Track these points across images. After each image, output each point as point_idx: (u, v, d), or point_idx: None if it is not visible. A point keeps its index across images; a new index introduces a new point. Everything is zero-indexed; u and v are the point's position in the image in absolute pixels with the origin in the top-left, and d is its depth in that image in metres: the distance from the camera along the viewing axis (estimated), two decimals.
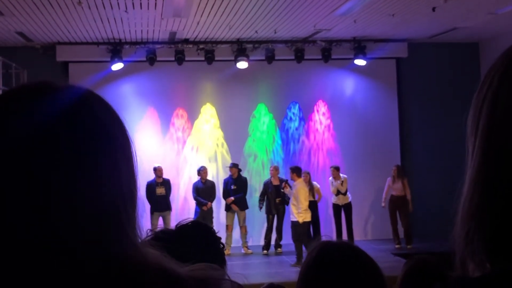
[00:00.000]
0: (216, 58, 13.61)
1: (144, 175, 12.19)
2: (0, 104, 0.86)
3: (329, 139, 14.60)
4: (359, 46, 13.86)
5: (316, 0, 10.42)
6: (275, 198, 12.63)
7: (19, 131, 0.81)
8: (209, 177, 13.20)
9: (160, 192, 12.50)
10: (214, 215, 12.81)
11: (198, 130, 14.21)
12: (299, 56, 13.81)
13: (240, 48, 13.55)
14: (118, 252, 0.83)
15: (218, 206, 13.39)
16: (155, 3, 10.31)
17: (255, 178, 14.02)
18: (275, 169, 12.84)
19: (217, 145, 14.29)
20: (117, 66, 13.37)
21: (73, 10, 10.48)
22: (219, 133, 14.29)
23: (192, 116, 14.21)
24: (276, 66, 14.01)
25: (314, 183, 12.78)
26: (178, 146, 14.13)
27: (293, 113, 14.55)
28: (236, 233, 13.09)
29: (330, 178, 13.17)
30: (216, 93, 14.30)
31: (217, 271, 0.93)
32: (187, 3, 10.26)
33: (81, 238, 0.81)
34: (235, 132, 14.20)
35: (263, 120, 14.44)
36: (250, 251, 12.92)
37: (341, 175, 12.99)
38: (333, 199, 13.09)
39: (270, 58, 13.77)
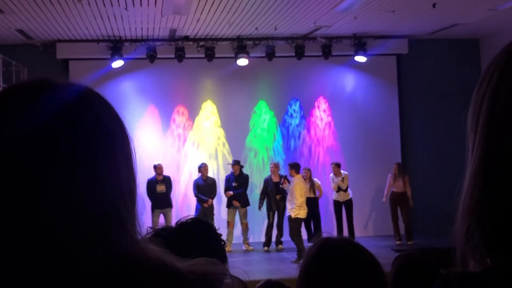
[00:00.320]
0: (216, 55, 13.60)
1: (144, 172, 12.20)
2: (2, 99, 0.86)
3: (329, 135, 14.60)
4: (359, 43, 13.84)
5: None
6: (275, 195, 12.63)
7: (19, 130, 0.81)
8: (210, 174, 13.20)
9: (160, 190, 12.51)
10: (215, 212, 12.82)
11: (199, 127, 14.21)
12: (300, 53, 13.81)
13: (240, 45, 13.54)
14: (119, 250, 0.83)
15: (219, 203, 13.40)
16: (155, 1, 10.31)
17: (255, 175, 14.02)
18: (275, 166, 12.84)
19: (218, 142, 14.29)
20: (117, 64, 13.36)
21: (73, 7, 10.47)
22: (220, 130, 14.29)
23: (193, 113, 14.21)
24: (277, 63, 14.00)
25: (315, 179, 12.79)
26: (178, 143, 14.13)
27: (294, 110, 14.55)
28: (237, 229, 13.10)
29: (331, 174, 13.17)
30: (216, 90, 14.30)
31: (218, 266, 0.93)
32: (187, 0, 10.25)
33: (81, 238, 0.81)
34: (235, 129, 14.20)
35: (263, 117, 14.44)
36: (251, 247, 12.94)
37: (341, 171, 12.99)
38: (334, 196, 13.09)
39: (270, 55, 13.76)
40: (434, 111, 14.43)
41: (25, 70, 12.53)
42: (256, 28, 12.74)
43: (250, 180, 13.38)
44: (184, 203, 13.66)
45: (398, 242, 12.82)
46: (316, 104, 14.58)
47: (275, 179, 12.60)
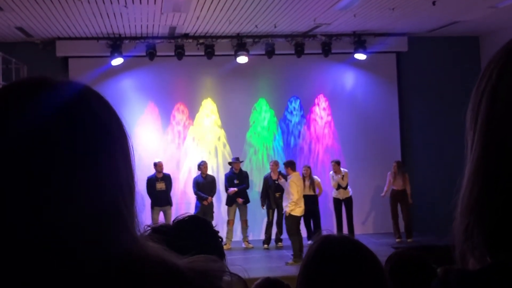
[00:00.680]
0: (216, 53, 13.59)
1: (144, 170, 12.21)
2: (1, 98, 0.86)
3: (329, 133, 14.60)
4: (359, 40, 13.84)
5: None
6: (274, 192, 12.63)
7: (19, 130, 0.81)
8: (209, 172, 13.21)
9: (160, 187, 12.51)
10: (215, 209, 12.83)
11: (198, 125, 14.21)
12: (299, 51, 13.80)
13: (240, 43, 13.54)
14: (119, 248, 0.83)
15: (219, 201, 13.40)
16: None
17: (255, 173, 14.02)
18: (275, 164, 12.83)
19: (217, 140, 14.30)
20: (117, 61, 13.35)
21: (72, 5, 10.46)
22: (219, 128, 14.29)
23: (192, 111, 14.21)
24: (276, 61, 13.99)
25: (315, 177, 12.78)
26: (178, 141, 14.13)
27: (293, 108, 14.55)
28: (237, 227, 13.11)
29: (331, 172, 13.18)
30: (216, 88, 14.29)
31: (217, 263, 0.93)
32: None
33: (81, 238, 0.81)
34: (235, 127, 14.20)
35: (263, 115, 14.44)
36: (250, 245, 12.95)
37: (341, 169, 13.00)
38: (334, 193, 13.10)
39: (270, 52, 13.75)
40: (434, 109, 14.44)
41: (25, 67, 12.52)
42: (256, 26, 12.73)
43: (249, 178, 13.39)
44: (184, 201, 13.66)
45: (397, 240, 12.83)
46: (315, 102, 14.58)
47: (275, 176, 12.60)
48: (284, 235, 12.37)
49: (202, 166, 12.89)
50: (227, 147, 14.25)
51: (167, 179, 12.72)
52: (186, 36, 13.47)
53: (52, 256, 0.79)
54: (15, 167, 0.80)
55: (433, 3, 10.84)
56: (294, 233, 11.30)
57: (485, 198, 0.85)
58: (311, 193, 12.34)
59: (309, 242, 11.47)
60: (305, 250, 9.85)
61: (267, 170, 13.74)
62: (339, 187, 12.96)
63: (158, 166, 12.61)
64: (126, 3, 10.48)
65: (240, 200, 12.84)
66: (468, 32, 14.18)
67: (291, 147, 14.47)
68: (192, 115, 14.19)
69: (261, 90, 14.40)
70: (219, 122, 14.29)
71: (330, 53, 13.98)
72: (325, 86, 14.57)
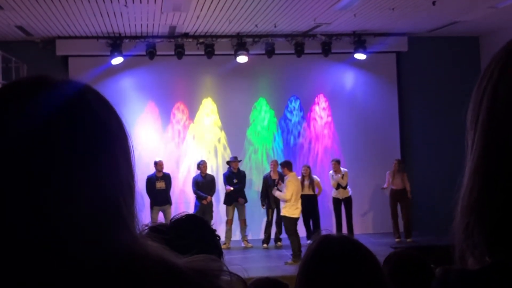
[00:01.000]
0: (216, 52, 13.59)
1: (143, 169, 12.21)
2: (1, 98, 0.85)
3: (329, 133, 14.60)
4: (359, 40, 13.84)
5: None
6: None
7: (19, 130, 0.81)
8: (209, 171, 13.20)
9: (160, 186, 12.51)
10: (214, 209, 12.83)
11: (198, 124, 14.21)
12: (299, 50, 13.80)
13: (240, 42, 13.54)
14: (119, 247, 0.83)
15: (218, 200, 13.40)
16: None
17: (254, 173, 14.02)
18: (275, 163, 12.83)
19: (217, 139, 14.30)
20: (117, 60, 13.35)
21: (72, 4, 10.47)
22: (219, 127, 14.29)
23: (192, 110, 14.21)
24: (276, 60, 13.99)
25: (314, 176, 12.77)
26: (178, 140, 14.13)
27: (293, 108, 14.55)
28: (236, 226, 13.11)
29: (330, 171, 13.17)
30: (216, 88, 14.29)
31: (216, 263, 0.93)
32: None
33: (81, 238, 0.81)
34: (235, 126, 14.20)
35: (263, 115, 14.43)
36: (250, 244, 12.95)
37: (341, 168, 13.00)
38: (333, 193, 13.09)
39: (270, 52, 13.75)
40: (433, 109, 14.44)
41: (25, 66, 12.52)
42: (256, 25, 12.73)
43: (248, 177, 13.40)
44: (183, 200, 13.66)
45: (397, 240, 12.83)
46: (315, 101, 14.58)
47: (274, 176, 12.59)
48: (284, 235, 12.37)
49: (201, 165, 12.89)
50: (227, 146, 14.26)
51: (167, 178, 12.72)
52: (186, 35, 13.47)
53: (52, 256, 0.79)
54: (15, 167, 0.80)
55: (433, 3, 10.84)
56: (292, 233, 11.30)
57: (485, 198, 0.85)
58: (311, 192, 12.33)
59: (308, 241, 11.47)
60: (304, 249, 9.87)
61: (266, 169, 13.75)
62: (338, 186, 12.96)
63: (158, 165, 12.60)
64: (126, 2, 10.48)
65: (241, 201, 12.85)
66: (468, 32, 14.18)
67: (291, 146, 14.47)
68: (192, 114, 14.19)
69: (261, 90, 14.40)
70: (219, 122, 14.29)
71: (330, 53, 13.98)
72: (325, 86, 14.57)
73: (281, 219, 12.59)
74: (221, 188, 13.31)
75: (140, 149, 12.40)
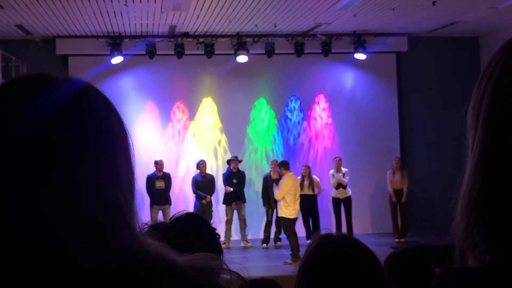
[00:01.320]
0: (215, 52, 13.59)
1: (143, 169, 12.21)
2: (1, 97, 0.85)
3: (329, 133, 14.60)
4: (359, 40, 13.84)
5: None
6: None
7: (18, 129, 0.81)
8: (209, 171, 13.20)
9: (159, 186, 12.51)
10: (214, 208, 12.83)
11: (198, 124, 14.21)
12: (299, 50, 13.79)
13: (240, 42, 13.53)
14: (120, 245, 0.83)
15: (217, 200, 13.40)
16: None
17: (254, 172, 14.02)
18: (276, 163, 12.82)
19: (217, 139, 14.30)
20: (117, 60, 13.35)
21: (72, 3, 10.47)
22: (219, 127, 14.29)
23: (192, 109, 14.21)
24: (276, 60, 13.99)
25: (314, 177, 12.77)
26: (177, 140, 14.13)
27: (293, 107, 14.55)
28: (236, 226, 13.11)
29: (331, 171, 13.17)
30: (216, 87, 14.29)
31: (216, 261, 0.93)
32: None
33: (81, 237, 0.80)
34: (235, 126, 14.20)
35: (263, 115, 14.43)
36: (249, 244, 12.95)
37: (342, 168, 13.01)
38: (333, 193, 13.07)
39: (270, 52, 13.75)
40: (433, 109, 14.44)
41: (25, 65, 12.51)
42: (256, 25, 12.73)
43: (248, 177, 13.40)
44: (182, 200, 13.66)
45: (397, 240, 12.84)
46: (315, 101, 14.58)
47: (275, 176, 12.59)
48: (283, 234, 12.38)
49: (201, 165, 12.89)
50: (227, 146, 14.25)
51: (166, 178, 12.72)
52: (186, 35, 13.47)
53: (52, 256, 0.79)
54: (15, 167, 0.79)
55: (433, 3, 10.84)
56: (290, 233, 11.30)
57: (485, 197, 0.85)
58: (310, 192, 12.33)
59: (308, 241, 11.47)
60: (302, 249, 9.87)
61: (265, 169, 13.76)
62: (338, 186, 12.95)
63: (159, 164, 12.61)
64: (126, 2, 10.48)
65: (234, 205, 12.84)
66: (468, 32, 14.18)
67: (291, 146, 14.47)
68: (191, 114, 14.19)
69: (261, 90, 14.40)
70: (219, 121, 14.29)
71: (330, 53, 13.98)
72: (325, 86, 14.57)
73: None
74: (220, 188, 13.31)
75: (139, 149, 12.40)
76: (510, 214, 0.82)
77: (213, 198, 12.90)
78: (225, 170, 13.40)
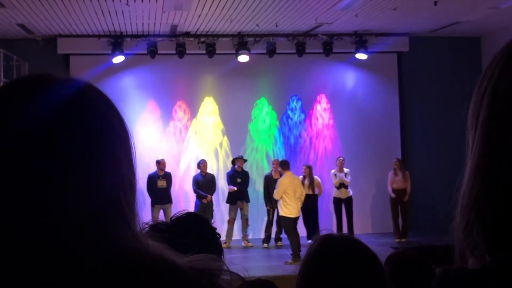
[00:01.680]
0: (217, 52, 13.59)
1: (144, 168, 12.21)
2: (2, 97, 0.85)
3: (330, 133, 14.60)
4: (360, 40, 13.83)
5: None
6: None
7: (19, 130, 0.81)
8: (209, 170, 13.20)
9: (161, 185, 12.52)
10: (214, 208, 12.83)
11: (199, 123, 14.21)
12: (300, 50, 13.79)
13: (241, 42, 13.53)
14: (120, 245, 0.83)
15: (218, 199, 13.40)
16: None
17: (254, 172, 14.02)
18: (277, 163, 12.82)
19: (218, 138, 14.30)
20: (118, 59, 13.35)
21: (74, 2, 10.47)
22: (220, 126, 14.29)
23: (193, 109, 14.21)
24: (277, 60, 13.99)
25: (315, 177, 12.78)
26: (178, 139, 14.13)
27: (294, 107, 14.55)
28: (237, 226, 13.11)
29: (333, 170, 13.17)
30: (217, 87, 14.30)
31: (217, 262, 0.93)
32: None
33: (81, 237, 0.80)
34: (236, 125, 14.21)
35: (264, 114, 14.43)
36: (250, 244, 12.95)
37: (344, 168, 13.02)
38: (335, 193, 13.07)
39: (271, 51, 13.74)
40: (434, 109, 14.43)
41: (26, 65, 12.52)
42: (257, 25, 12.73)
43: (250, 177, 13.40)
44: (183, 199, 13.67)
45: (397, 240, 12.83)
46: (316, 101, 14.58)
47: (276, 176, 12.59)
48: (284, 234, 12.38)
49: (201, 164, 12.90)
50: (228, 145, 14.26)
51: (168, 177, 12.73)
52: (187, 34, 13.47)
53: (52, 256, 0.79)
54: (15, 167, 0.79)
55: (435, 3, 10.83)
56: (291, 233, 11.30)
57: (485, 197, 0.85)
58: (310, 192, 12.33)
59: (309, 241, 11.47)
60: (304, 249, 9.85)
61: (266, 169, 13.76)
62: (340, 186, 12.95)
63: (161, 164, 12.62)
64: (127, 1, 10.48)
65: (239, 204, 12.83)
66: (469, 32, 14.17)
67: (292, 146, 14.47)
68: (193, 113, 14.20)
69: (262, 89, 14.40)
70: (220, 121, 14.29)
71: (331, 53, 13.98)
72: (326, 86, 14.56)
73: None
74: (222, 187, 13.30)
75: (140, 148, 12.40)
76: (510, 214, 0.82)
77: (214, 197, 12.90)
78: (225, 170, 13.39)
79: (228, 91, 14.22)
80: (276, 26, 12.78)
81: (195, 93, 14.20)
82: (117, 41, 13.20)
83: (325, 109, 14.59)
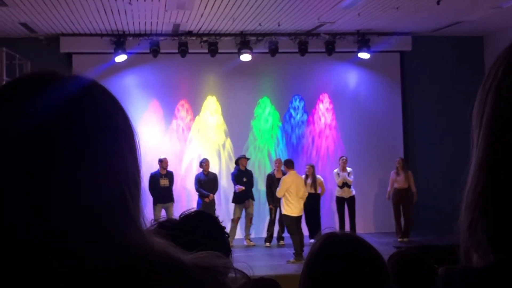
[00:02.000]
0: (219, 51, 13.58)
1: (147, 167, 12.21)
2: (1, 97, 0.85)
3: (332, 132, 14.59)
4: (363, 39, 13.82)
5: None
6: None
7: (19, 129, 0.80)
8: (212, 169, 13.20)
9: (163, 184, 12.52)
10: (216, 207, 12.83)
11: (201, 122, 14.21)
12: (303, 49, 13.79)
13: (244, 41, 13.53)
14: (125, 242, 0.83)
15: (220, 198, 13.40)
16: None
17: (257, 172, 14.01)
18: (280, 162, 12.82)
19: (220, 137, 14.29)
20: (121, 58, 13.36)
21: (76, 1, 10.47)
22: (222, 126, 14.29)
23: (195, 108, 14.21)
24: (280, 59, 13.98)
25: (318, 176, 12.77)
26: (181, 138, 14.14)
27: (297, 106, 14.54)
28: (239, 225, 13.10)
29: (335, 170, 13.16)
30: (219, 86, 14.29)
31: (222, 260, 0.93)
32: None
33: (82, 237, 0.80)
34: (238, 124, 14.20)
35: (267, 114, 14.42)
36: (252, 243, 12.95)
37: (346, 168, 13.02)
38: (338, 192, 13.05)
39: (273, 50, 13.74)
40: (437, 108, 14.42)
41: (29, 63, 12.51)
42: (260, 24, 12.72)
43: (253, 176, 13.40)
44: (185, 198, 13.67)
45: (399, 239, 12.82)
46: (319, 100, 14.57)
47: (278, 175, 12.59)
48: (286, 233, 12.37)
49: (204, 163, 12.90)
50: (230, 144, 14.26)
51: (170, 175, 12.73)
52: (189, 33, 13.47)
53: (52, 256, 0.79)
54: (15, 167, 0.79)
55: (438, 3, 10.81)
56: (293, 232, 11.29)
57: (489, 195, 0.85)
58: (313, 191, 12.34)
59: (311, 240, 11.48)
60: (306, 248, 9.85)
61: (268, 168, 13.75)
62: (343, 185, 12.94)
63: (163, 162, 12.62)
64: (130, 0, 10.49)
65: (247, 203, 12.81)
66: (472, 32, 14.15)
67: (294, 145, 14.46)
68: (195, 112, 14.20)
69: (264, 89, 14.39)
70: (222, 120, 14.29)
71: (334, 52, 13.97)
72: (329, 85, 14.55)
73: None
74: (223, 186, 13.29)
75: (143, 147, 12.19)
76: None
77: (216, 196, 12.90)
78: (227, 169, 13.39)
79: (231, 90, 14.22)
80: (279, 25, 12.77)
81: (197, 92, 14.20)
82: (119, 40, 13.21)
83: (327, 108, 14.58)
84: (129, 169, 0.87)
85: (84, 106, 0.85)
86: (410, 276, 2.91)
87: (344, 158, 13.13)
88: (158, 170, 12.59)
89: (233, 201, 13.03)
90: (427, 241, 11.94)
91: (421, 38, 14.38)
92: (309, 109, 14.53)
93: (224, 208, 13.37)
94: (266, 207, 13.04)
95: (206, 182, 12.73)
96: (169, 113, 14.07)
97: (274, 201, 12.66)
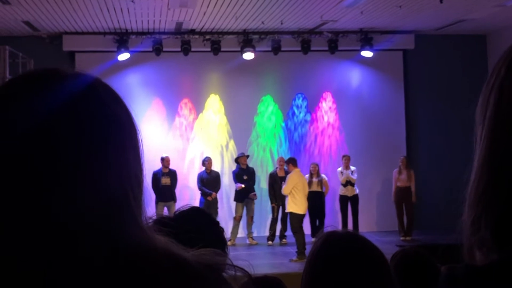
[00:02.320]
0: (222, 49, 13.59)
1: (149, 165, 12.22)
2: (6, 94, 0.85)
3: (335, 130, 14.58)
4: (365, 38, 13.81)
5: None
6: (280, 189, 12.61)
7: (23, 126, 0.80)
8: (214, 168, 13.20)
9: (165, 182, 12.53)
10: (219, 205, 12.84)
11: (204, 121, 14.22)
12: (306, 48, 13.78)
13: (247, 39, 13.53)
14: (127, 240, 0.83)
15: (222, 197, 13.41)
16: None
17: (259, 170, 14.01)
18: (282, 161, 12.82)
19: (223, 135, 14.30)
20: (123, 56, 13.37)
21: None
22: (225, 124, 14.30)
23: (198, 106, 14.22)
24: (283, 57, 13.98)
25: (323, 175, 12.77)
26: (183, 137, 14.14)
27: (299, 105, 14.53)
28: (243, 223, 13.10)
29: (339, 168, 13.16)
30: (222, 84, 14.29)
31: (223, 257, 0.93)
32: None
33: (87, 234, 0.80)
34: (241, 123, 14.21)
35: (269, 111, 14.42)
36: (255, 241, 12.96)
37: (350, 166, 13.02)
38: (341, 191, 13.05)
39: (276, 49, 13.74)
40: (440, 107, 14.40)
41: (32, 62, 12.53)
42: (262, 22, 12.72)
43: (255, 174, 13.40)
44: (188, 196, 13.68)
45: (402, 238, 12.82)
46: (321, 99, 14.56)
47: (281, 173, 12.60)
48: (288, 232, 12.38)
49: (206, 162, 12.90)
50: (233, 143, 14.26)
51: (172, 174, 12.74)
52: (192, 32, 13.47)
53: (57, 253, 0.79)
54: (19, 163, 0.79)
55: (441, 1, 10.80)
56: (297, 230, 11.29)
57: (492, 192, 0.85)
58: (319, 189, 12.35)
59: (313, 239, 11.47)
60: (309, 247, 9.86)
61: (270, 167, 13.75)
62: (347, 183, 12.94)
63: (165, 161, 12.63)
64: None
65: (252, 196, 12.80)
66: (475, 30, 14.13)
67: (297, 144, 14.46)
68: (197, 110, 14.21)
69: (267, 87, 14.39)
70: (225, 118, 14.29)
71: (337, 50, 13.96)
72: (331, 83, 14.55)
73: (286, 216, 12.59)
74: (226, 184, 13.30)
75: (145, 145, 12.35)
76: None
77: (218, 194, 12.91)
78: (229, 167, 13.39)
79: (233, 89, 14.22)
80: (281, 23, 12.77)
81: (200, 91, 14.20)
82: (122, 39, 13.22)
83: (330, 107, 14.58)
84: (131, 166, 0.87)
85: (87, 103, 0.85)
86: (413, 275, 2.91)
87: (346, 156, 13.13)
88: (160, 168, 12.60)
89: (234, 199, 13.04)
90: (430, 240, 11.93)
91: (424, 37, 14.37)
92: (312, 107, 14.53)
93: (226, 207, 13.38)
94: (268, 206, 13.05)
95: (209, 181, 12.74)
96: (172, 111, 14.07)
97: (276, 199, 12.68)
